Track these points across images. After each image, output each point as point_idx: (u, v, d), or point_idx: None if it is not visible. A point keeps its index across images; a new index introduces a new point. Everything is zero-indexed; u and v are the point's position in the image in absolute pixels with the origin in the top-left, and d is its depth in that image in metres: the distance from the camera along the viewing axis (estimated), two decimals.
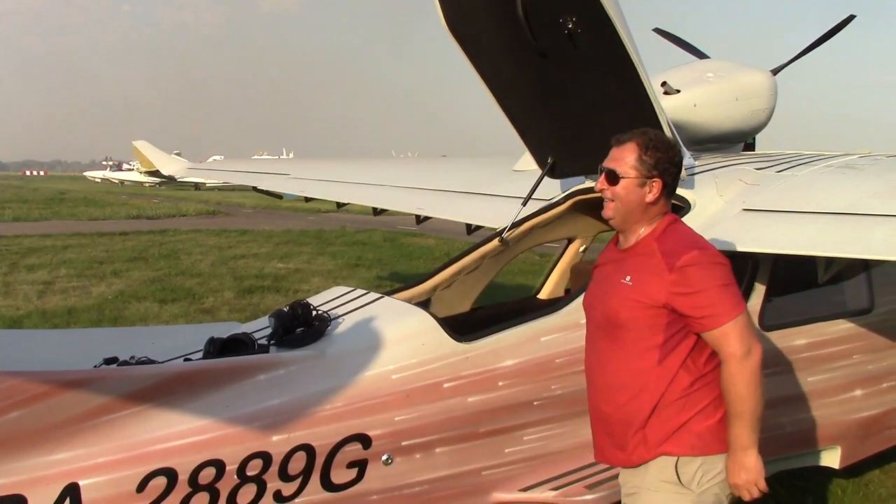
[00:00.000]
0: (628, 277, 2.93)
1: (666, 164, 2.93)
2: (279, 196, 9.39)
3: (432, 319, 3.61)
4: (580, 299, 3.74)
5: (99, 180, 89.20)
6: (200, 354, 3.45)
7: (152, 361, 3.33)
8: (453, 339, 3.56)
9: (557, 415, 3.75)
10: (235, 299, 12.95)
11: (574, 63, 4.17)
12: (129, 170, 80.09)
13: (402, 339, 3.51)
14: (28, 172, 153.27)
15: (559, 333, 3.73)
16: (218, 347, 3.39)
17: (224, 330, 3.71)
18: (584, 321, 3.60)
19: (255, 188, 8.99)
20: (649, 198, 2.93)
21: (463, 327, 3.84)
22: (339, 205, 8.25)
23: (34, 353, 3.69)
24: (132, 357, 3.36)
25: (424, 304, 4.62)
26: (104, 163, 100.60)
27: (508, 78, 4.62)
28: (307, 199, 8.63)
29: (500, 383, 3.62)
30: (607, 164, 2.98)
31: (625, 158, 2.93)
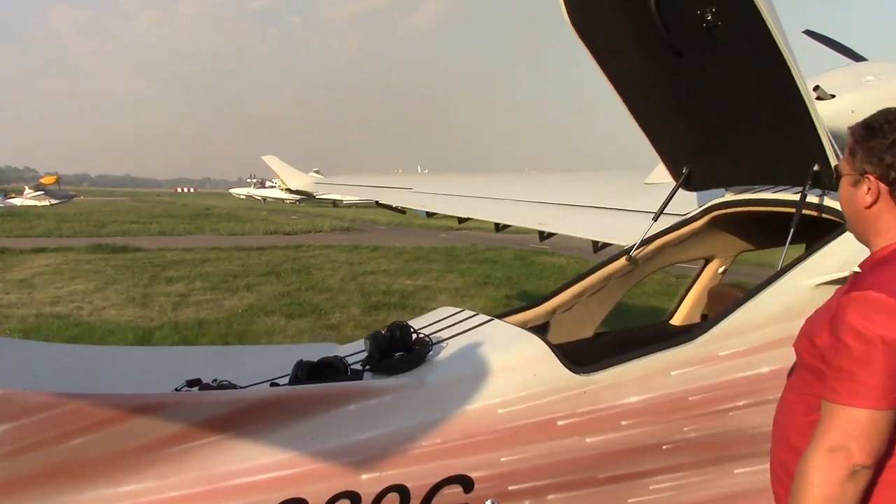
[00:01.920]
0: (822, 303, 2.32)
1: (881, 153, 2.16)
2: (402, 211, 9.33)
3: (545, 346, 3.17)
4: (718, 327, 3.26)
5: (244, 197, 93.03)
6: (288, 379, 3.15)
7: (234, 386, 3.05)
8: (569, 369, 3.11)
9: (690, 461, 3.24)
10: (361, 315, 12.94)
11: (714, 60, 3.66)
12: (272, 187, 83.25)
13: (510, 368, 3.09)
14: (179, 189, 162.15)
15: (693, 367, 3.21)
16: (306, 372, 3.06)
17: (320, 352, 3.39)
18: (722, 353, 3.13)
19: (377, 202, 8.97)
20: (866, 201, 2.21)
21: (584, 355, 3.38)
22: (461, 220, 7.99)
23: (119, 371, 3.50)
24: (214, 380, 3.09)
25: (542, 328, 4.22)
26: (248, 180, 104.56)
27: (639, 78, 4.14)
28: (429, 214, 8.46)
29: (623, 422, 3.14)
30: None
31: (846, 151, 2.30)
